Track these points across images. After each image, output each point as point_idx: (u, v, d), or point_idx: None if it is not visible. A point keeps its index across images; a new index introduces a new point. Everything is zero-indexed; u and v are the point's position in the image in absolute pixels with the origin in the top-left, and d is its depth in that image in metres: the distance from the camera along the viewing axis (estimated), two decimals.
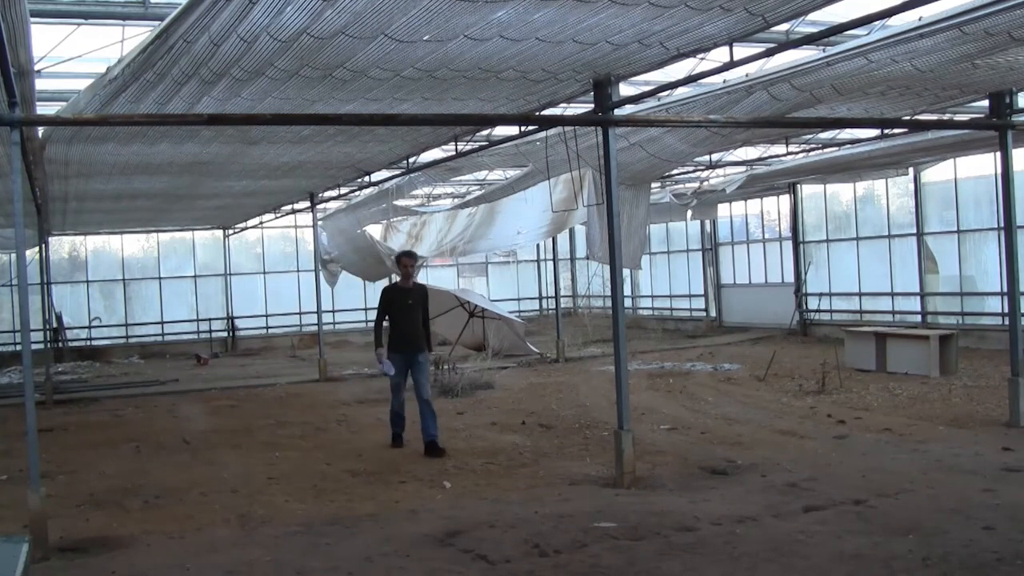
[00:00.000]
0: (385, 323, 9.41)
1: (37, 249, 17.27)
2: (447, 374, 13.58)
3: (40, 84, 7.75)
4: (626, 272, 20.24)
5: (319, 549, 5.95)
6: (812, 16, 7.01)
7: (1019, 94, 9.60)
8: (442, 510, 6.85)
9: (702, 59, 8.01)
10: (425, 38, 6.04)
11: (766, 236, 21.94)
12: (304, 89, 7.23)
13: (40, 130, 8.86)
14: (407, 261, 9.31)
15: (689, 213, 20.91)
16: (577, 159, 9.23)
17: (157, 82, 6.73)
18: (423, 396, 8.99)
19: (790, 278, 20.56)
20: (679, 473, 7.78)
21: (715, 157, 15.49)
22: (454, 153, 11.57)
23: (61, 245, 23.39)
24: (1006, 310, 13.66)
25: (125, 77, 6.55)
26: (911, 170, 17.05)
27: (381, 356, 9.25)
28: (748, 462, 8.03)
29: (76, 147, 9.70)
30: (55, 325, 21.10)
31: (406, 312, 9.09)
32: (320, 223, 17.82)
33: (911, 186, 17.53)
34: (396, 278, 10.09)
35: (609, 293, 8.20)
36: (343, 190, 16.02)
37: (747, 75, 8.42)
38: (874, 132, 12.84)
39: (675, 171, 15.93)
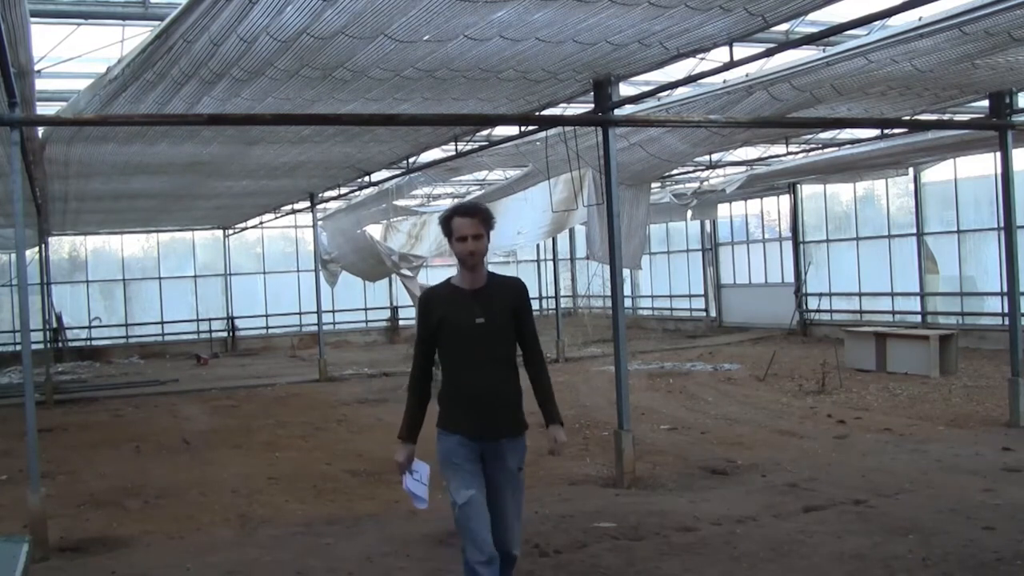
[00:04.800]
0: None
1: (37, 249, 17.28)
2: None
3: (40, 84, 7.75)
4: (626, 272, 20.24)
5: (319, 549, 5.95)
6: (812, 16, 7.02)
7: (1019, 94, 9.60)
8: (442, 510, 6.85)
9: (702, 59, 8.01)
10: (425, 38, 6.04)
11: (766, 236, 21.94)
12: (304, 89, 7.23)
13: (40, 130, 8.86)
14: (468, 228, 4.00)
15: (689, 213, 20.91)
16: (577, 159, 9.23)
17: (157, 82, 6.73)
18: (506, 545, 4.10)
19: (790, 278, 20.56)
20: (679, 473, 7.78)
21: (715, 157, 15.49)
22: (454, 153, 11.57)
23: (61, 245, 23.39)
24: (1006, 310, 13.64)
25: (125, 77, 6.55)
26: (911, 170, 17.05)
27: (404, 460, 4.12)
28: (748, 462, 8.03)
29: (76, 147, 9.70)
30: (55, 325, 21.10)
31: (475, 341, 4.04)
32: (320, 223, 17.82)
33: (911, 186, 17.53)
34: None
35: (609, 293, 8.21)
36: (343, 190, 16.03)
37: (747, 75, 8.42)
38: (874, 132, 12.84)
39: (675, 171, 15.92)
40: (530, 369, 4.17)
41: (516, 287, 4.17)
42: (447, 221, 4.07)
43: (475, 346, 4.03)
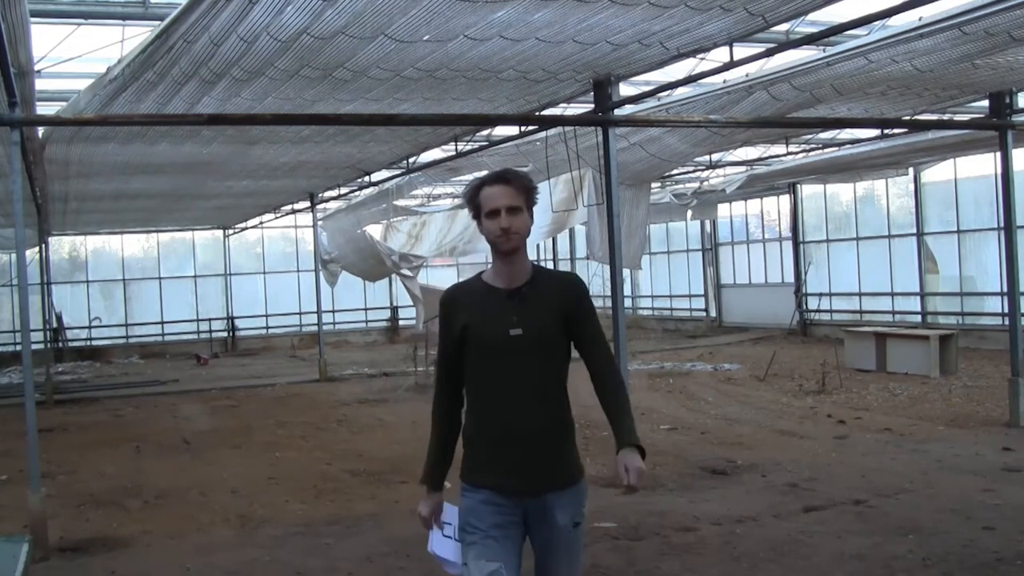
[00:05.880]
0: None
1: (37, 249, 17.27)
2: None
3: (40, 84, 7.75)
4: (626, 272, 20.24)
5: (319, 549, 5.95)
6: (812, 16, 7.02)
7: (1019, 94, 9.60)
8: None
9: (702, 59, 8.01)
10: (425, 38, 6.04)
11: (766, 236, 21.94)
12: (304, 89, 7.23)
13: (40, 130, 8.86)
14: (501, 198, 2.94)
15: (689, 213, 20.91)
16: (577, 159, 9.23)
17: (157, 82, 6.73)
18: None
19: (790, 278, 20.56)
20: (679, 473, 7.78)
21: (715, 157, 15.49)
22: (454, 153, 11.58)
23: (61, 245, 23.39)
24: (1006, 310, 13.63)
25: (125, 77, 6.55)
26: (911, 170, 17.06)
27: (428, 514, 3.09)
28: (748, 462, 8.03)
29: (76, 147, 9.70)
30: (55, 325, 21.10)
31: (509, 359, 2.95)
32: (320, 223, 17.82)
33: (911, 186, 17.54)
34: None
35: (609, 293, 8.21)
36: (343, 190, 16.03)
37: (747, 75, 8.43)
38: (874, 132, 12.84)
39: (675, 171, 15.93)
40: (602, 384, 3.06)
41: (570, 285, 3.08)
42: (474, 194, 2.97)
43: (509, 366, 2.93)
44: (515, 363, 2.93)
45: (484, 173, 3.22)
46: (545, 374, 2.99)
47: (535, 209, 3.08)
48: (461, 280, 3.21)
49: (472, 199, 2.98)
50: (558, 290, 3.02)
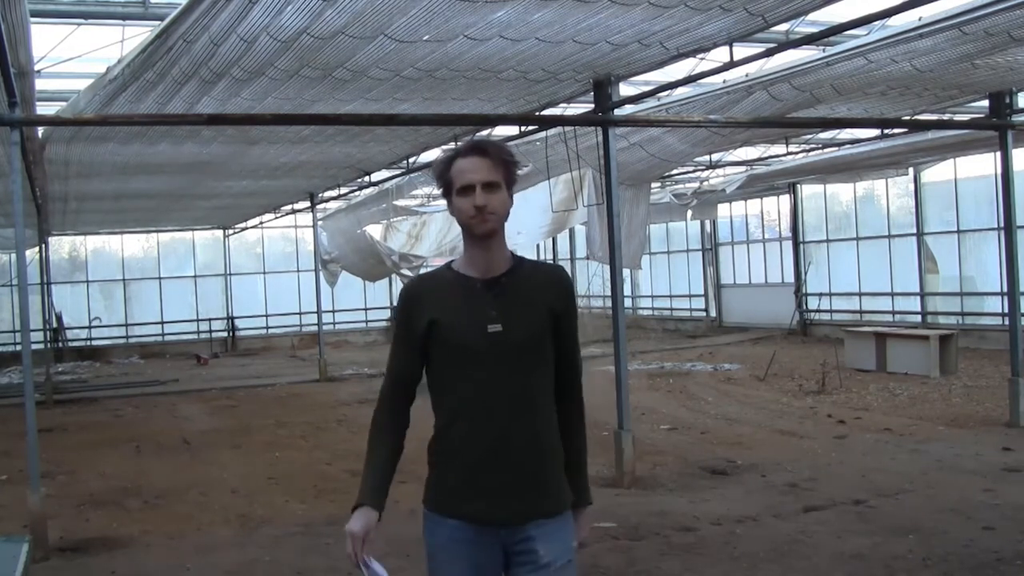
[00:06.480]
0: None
1: (37, 249, 17.28)
2: None
3: (40, 84, 7.75)
4: (626, 272, 20.24)
5: (319, 549, 5.95)
6: (812, 16, 7.03)
7: (1019, 94, 9.60)
8: None
9: (702, 59, 8.02)
10: (425, 38, 6.04)
11: (766, 236, 21.94)
12: (304, 89, 7.23)
13: (40, 130, 8.85)
14: (476, 172, 2.40)
15: (689, 213, 20.89)
16: (577, 159, 9.23)
17: (157, 82, 6.73)
18: None
19: (790, 278, 20.56)
20: (679, 473, 7.78)
21: (715, 157, 15.48)
22: None
23: (61, 245, 23.40)
24: (1006, 310, 13.63)
25: (125, 77, 6.55)
26: (911, 170, 17.05)
27: (360, 531, 2.40)
28: (748, 462, 8.03)
29: (76, 147, 9.69)
30: (55, 325, 21.11)
31: (486, 361, 2.46)
32: (320, 223, 17.82)
33: (911, 186, 17.53)
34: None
35: (609, 293, 8.21)
36: (343, 190, 16.03)
37: (747, 75, 8.42)
38: (874, 132, 12.83)
39: (675, 171, 15.93)
40: (569, 413, 2.76)
41: (557, 279, 2.59)
42: (445, 167, 2.48)
43: (487, 369, 2.46)
44: (495, 366, 2.45)
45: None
46: (530, 379, 2.51)
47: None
48: (425, 271, 2.61)
49: (442, 174, 2.49)
50: (545, 283, 2.56)
